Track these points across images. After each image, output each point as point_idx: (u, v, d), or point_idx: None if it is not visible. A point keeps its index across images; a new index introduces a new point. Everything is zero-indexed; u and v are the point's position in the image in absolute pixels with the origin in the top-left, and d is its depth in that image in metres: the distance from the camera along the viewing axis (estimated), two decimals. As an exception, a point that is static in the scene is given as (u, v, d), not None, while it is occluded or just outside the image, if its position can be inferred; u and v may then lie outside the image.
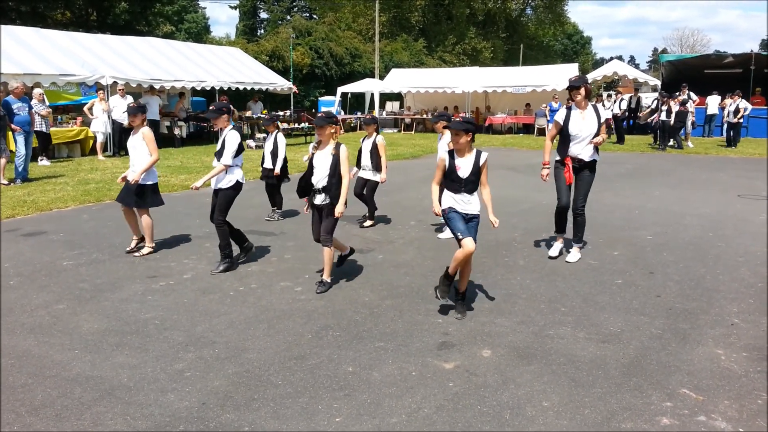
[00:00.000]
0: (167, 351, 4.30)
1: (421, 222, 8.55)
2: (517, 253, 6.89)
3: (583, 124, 6.30)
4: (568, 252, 6.71)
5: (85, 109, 16.20)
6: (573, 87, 6.25)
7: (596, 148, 6.43)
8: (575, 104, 6.36)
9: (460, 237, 4.74)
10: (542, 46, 61.61)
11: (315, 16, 51.41)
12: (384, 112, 29.49)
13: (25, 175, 11.99)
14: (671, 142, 19.16)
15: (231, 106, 7.02)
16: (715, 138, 22.32)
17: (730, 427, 3.32)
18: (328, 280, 5.60)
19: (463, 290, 5.03)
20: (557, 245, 6.80)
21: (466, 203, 4.83)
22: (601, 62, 70.88)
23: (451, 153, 4.86)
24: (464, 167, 4.79)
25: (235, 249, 6.46)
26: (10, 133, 12.03)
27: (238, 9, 56.12)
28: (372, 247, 7.23)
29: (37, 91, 14.21)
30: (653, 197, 10.51)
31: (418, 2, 47.02)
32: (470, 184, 4.81)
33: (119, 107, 16.42)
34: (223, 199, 6.14)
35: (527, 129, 25.99)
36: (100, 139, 16.17)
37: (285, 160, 8.75)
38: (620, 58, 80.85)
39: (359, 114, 29.10)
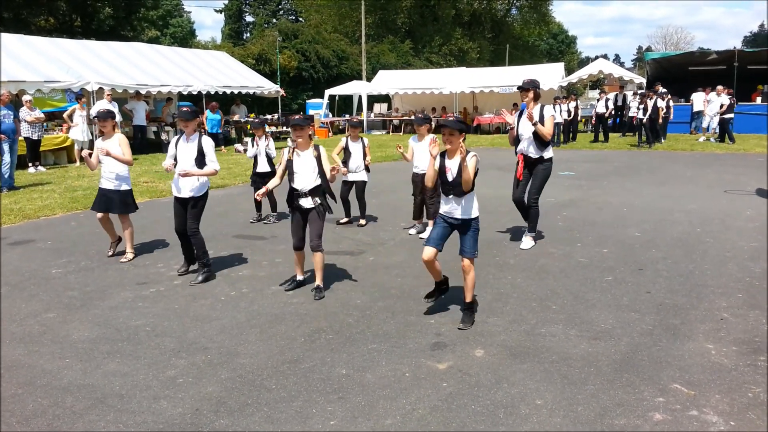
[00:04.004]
0: (159, 358, 4.27)
1: (412, 223, 8.55)
2: (507, 252, 6.91)
3: (527, 124, 6.82)
4: (521, 240, 7.18)
5: (65, 116, 16.05)
6: (522, 89, 6.79)
7: (546, 145, 6.88)
8: (525, 106, 6.88)
9: (425, 244, 4.85)
10: (528, 46, 61.95)
11: (301, 19, 51.32)
12: (372, 114, 29.49)
13: (11, 183, 11.88)
14: (661, 139, 19.38)
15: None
16: (699, 134, 22.50)
17: (721, 421, 3.35)
18: (322, 285, 5.58)
19: (468, 300, 4.81)
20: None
21: (455, 207, 4.68)
22: (587, 61, 71.39)
23: (442, 154, 4.75)
24: (453, 169, 4.62)
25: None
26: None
27: (223, 13, 55.95)
28: (363, 249, 7.23)
29: (26, 98, 14.10)
30: (641, 194, 10.59)
31: (404, 4, 47.08)
32: (458, 187, 4.60)
33: (107, 113, 16.26)
34: (199, 207, 6.02)
35: (515, 128, 26.07)
36: (77, 147, 16.03)
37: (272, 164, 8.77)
38: (605, 56, 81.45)
39: (347, 116, 29.09)
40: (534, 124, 6.69)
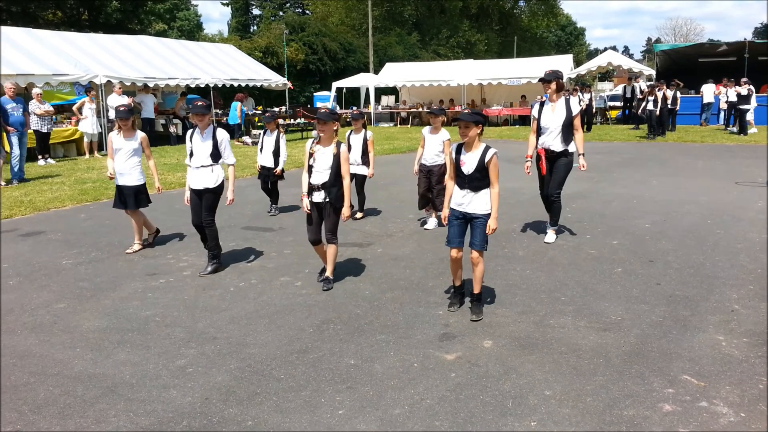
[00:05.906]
0: (169, 347, 4.29)
1: (420, 215, 8.54)
2: (516, 244, 6.89)
3: (553, 116, 6.65)
4: (545, 234, 7.11)
5: (74, 108, 16.13)
6: (544, 80, 6.58)
7: (568, 139, 6.71)
8: (548, 97, 6.72)
9: (447, 245, 4.80)
10: (536, 38, 61.59)
11: (308, 12, 51.24)
12: (380, 107, 29.43)
13: (21, 176, 11.96)
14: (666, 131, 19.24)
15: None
16: (711, 126, 22.36)
17: (731, 413, 3.33)
18: (332, 277, 5.58)
19: (476, 291, 4.81)
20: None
21: (468, 201, 4.63)
22: (595, 53, 70.89)
23: (459, 147, 4.66)
24: (469, 163, 4.57)
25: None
26: (4, 134, 11.98)
27: (230, 6, 55.88)
28: (371, 240, 7.23)
29: (35, 91, 14.18)
30: (651, 186, 10.52)
31: (411, -4, 46.95)
32: (475, 181, 4.58)
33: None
34: (213, 198, 6.06)
35: (523, 121, 26.00)
36: (86, 139, 16.10)
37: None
38: (614, 48, 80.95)
39: (354, 109, 29.09)
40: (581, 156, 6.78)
